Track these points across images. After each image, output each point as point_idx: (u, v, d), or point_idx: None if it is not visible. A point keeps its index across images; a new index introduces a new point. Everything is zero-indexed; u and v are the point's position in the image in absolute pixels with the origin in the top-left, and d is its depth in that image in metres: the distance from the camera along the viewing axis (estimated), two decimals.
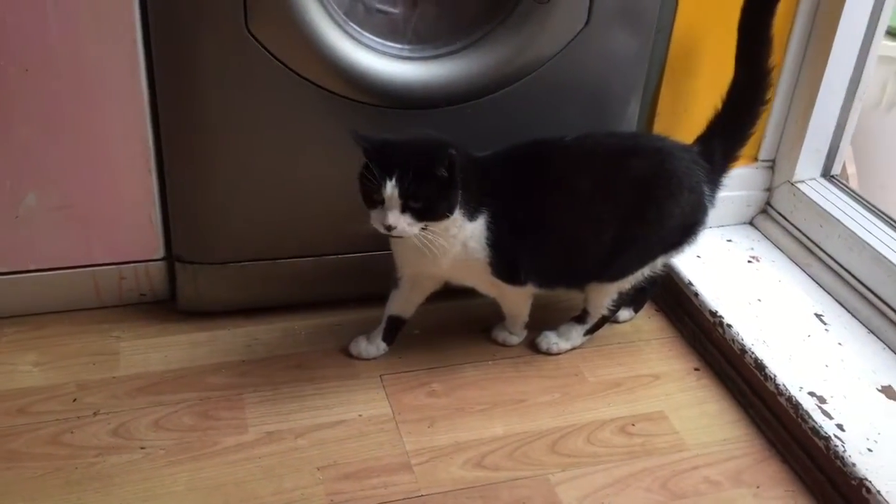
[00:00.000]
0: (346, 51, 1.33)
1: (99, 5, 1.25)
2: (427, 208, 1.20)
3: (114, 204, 1.41)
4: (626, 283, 1.41)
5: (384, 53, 1.36)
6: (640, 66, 1.50)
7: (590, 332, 1.50)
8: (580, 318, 1.50)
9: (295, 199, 1.44)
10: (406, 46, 1.38)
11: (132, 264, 1.48)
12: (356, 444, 1.28)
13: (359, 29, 1.35)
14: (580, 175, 1.32)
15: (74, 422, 1.28)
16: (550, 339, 1.50)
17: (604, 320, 1.50)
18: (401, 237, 1.24)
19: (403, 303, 1.44)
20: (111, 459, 1.22)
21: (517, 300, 1.45)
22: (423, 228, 1.22)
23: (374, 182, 1.18)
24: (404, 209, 1.19)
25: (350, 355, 1.45)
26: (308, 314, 1.53)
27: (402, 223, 1.19)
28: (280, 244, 1.47)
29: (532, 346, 1.51)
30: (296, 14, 1.27)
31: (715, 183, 1.41)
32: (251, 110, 1.34)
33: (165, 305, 1.52)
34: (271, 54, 1.29)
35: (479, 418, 1.35)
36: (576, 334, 1.50)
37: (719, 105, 1.41)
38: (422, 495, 1.21)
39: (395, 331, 1.45)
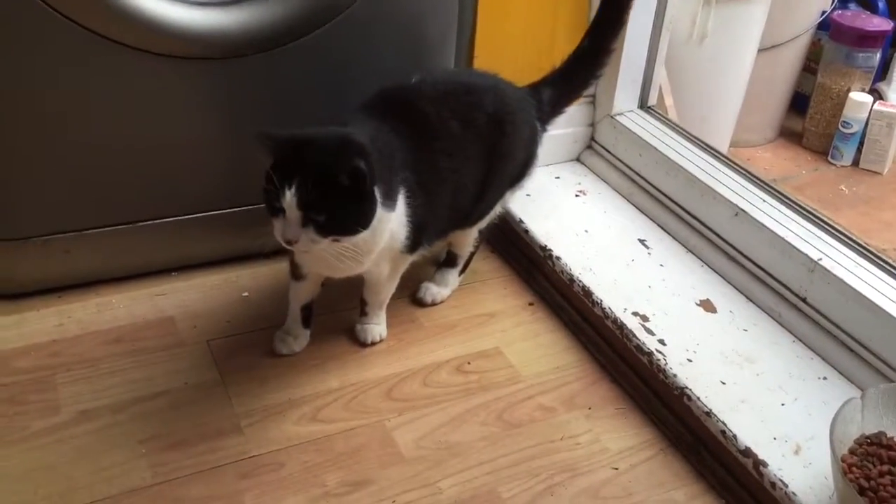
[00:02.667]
0: None
1: None
2: (332, 222, 1.07)
3: None
4: (485, 223, 1.43)
5: (178, 0, 1.29)
6: (450, 3, 1.48)
7: (462, 271, 1.51)
8: (450, 262, 1.49)
9: (97, 163, 1.34)
10: None
11: None
12: (181, 413, 1.22)
13: None
14: (448, 117, 1.28)
15: None
16: (433, 290, 1.48)
17: (472, 256, 1.50)
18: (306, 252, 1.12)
19: (309, 292, 1.32)
20: None
21: (400, 272, 1.33)
22: (334, 241, 1.10)
23: (274, 188, 1.05)
24: (306, 221, 1.06)
25: (281, 354, 1.33)
26: (125, 286, 1.44)
27: (304, 237, 1.07)
28: (86, 213, 1.37)
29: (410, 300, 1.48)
30: None
31: (542, 123, 1.44)
32: (35, 70, 1.24)
33: None
34: (51, 7, 1.19)
35: (313, 373, 1.32)
36: (452, 278, 1.50)
37: (558, 64, 1.46)
38: (252, 455, 1.16)
39: (310, 315, 1.35)
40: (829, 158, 2.55)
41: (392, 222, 1.19)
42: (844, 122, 2.46)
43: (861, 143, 2.48)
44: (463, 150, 1.30)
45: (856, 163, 2.51)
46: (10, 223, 1.34)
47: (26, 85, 1.25)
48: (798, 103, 2.68)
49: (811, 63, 2.64)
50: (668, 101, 1.93)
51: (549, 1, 1.63)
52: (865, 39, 2.45)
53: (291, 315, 1.34)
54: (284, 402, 1.26)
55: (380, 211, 1.13)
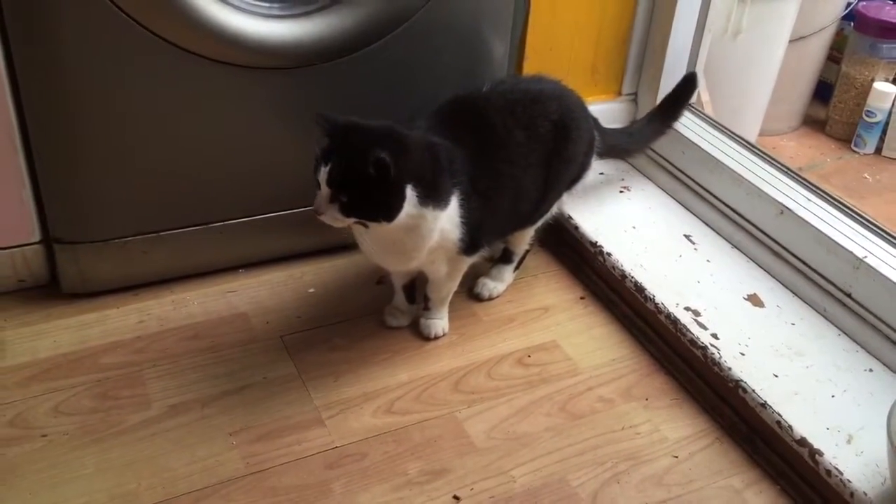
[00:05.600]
0: (213, 13, 1.30)
1: None
2: (354, 205, 1.17)
3: None
4: (541, 222, 1.51)
5: (254, 13, 1.34)
6: (505, 9, 1.54)
7: (517, 267, 1.58)
8: (505, 259, 1.56)
9: (173, 169, 1.41)
10: (276, 4, 1.36)
11: (7, 250, 1.41)
12: (265, 406, 1.29)
13: None
14: (513, 126, 1.35)
15: None
16: (489, 285, 1.55)
17: (527, 253, 1.58)
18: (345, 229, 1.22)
19: (403, 276, 1.43)
20: (11, 451, 1.19)
21: (461, 272, 1.41)
22: (358, 223, 1.19)
23: (317, 162, 1.18)
24: (334, 198, 1.16)
25: (391, 327, 1.46)
26: (198, 283, 1.52)
27: (329, 213, 1.17)
28: (162, 216, 1.44)
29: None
30: None
31: (600, 137, 1.55)
32: (120, 81, 1.30)
33: (48, 289, 1.46)
34: (137, 22, 1.25)
35: (383, 367, 1.39)
36: (507, 274, 1.57)
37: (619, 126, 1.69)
38: (336, 447, 1.24)
39: (412, 292, 1.46)
40: (852, 146, 2.60)
41: (441, 221, 1.25)
42: (868, 111, 2.52)
43: (884, 132, 2.54)
44: (525, 158, 1.37)
45: (878, 151, 2.57)
46: (93, 226, 1.41)
47: (111, 96, 1.31)
48: (821, 91, 2.73)
49: (835, 52, 2.68)
50: (705, 96, 1.98)
51: (595, 4, 1.69)
52: (889, 30, 2.50)
53: (397, 294, 1.46)
54: (360, 396, 1.33)
55: (419, 209, 1.20)
